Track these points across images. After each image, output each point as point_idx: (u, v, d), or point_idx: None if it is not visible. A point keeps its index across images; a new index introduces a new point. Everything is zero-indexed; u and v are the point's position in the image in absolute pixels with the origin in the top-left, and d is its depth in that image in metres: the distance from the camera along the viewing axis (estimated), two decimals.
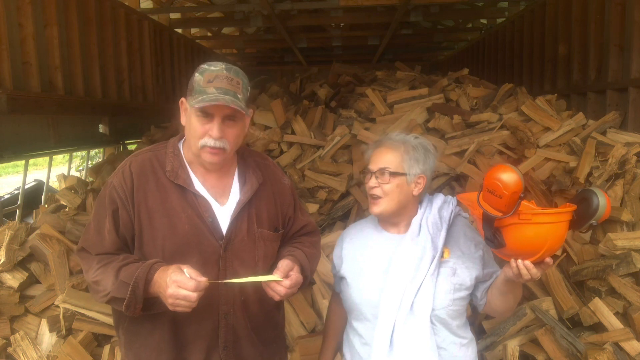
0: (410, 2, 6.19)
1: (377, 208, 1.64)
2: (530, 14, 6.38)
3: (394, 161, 1.63)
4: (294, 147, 4.34)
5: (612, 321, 2.71)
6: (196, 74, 1.49)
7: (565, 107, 4.63)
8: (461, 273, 1.61)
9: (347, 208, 3.84)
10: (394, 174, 1.62)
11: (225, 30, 10.22)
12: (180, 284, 1.31)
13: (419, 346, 1.54)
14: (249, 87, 1.54)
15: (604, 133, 3.92)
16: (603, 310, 2.72)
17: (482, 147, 3.96)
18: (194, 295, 1.32)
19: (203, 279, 1.34)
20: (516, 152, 3.93)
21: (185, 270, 1.34)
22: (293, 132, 4.46)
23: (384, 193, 1.62)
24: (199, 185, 1.56)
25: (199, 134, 1.48)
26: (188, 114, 1.53)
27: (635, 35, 4.19)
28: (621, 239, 2.94)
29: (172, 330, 1.54)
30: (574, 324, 2.82)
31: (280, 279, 1.44)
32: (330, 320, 1.93)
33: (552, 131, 3.98)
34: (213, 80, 1.45)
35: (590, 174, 3.51)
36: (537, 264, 1.37)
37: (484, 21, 8.98)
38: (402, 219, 1.68)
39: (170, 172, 1.54)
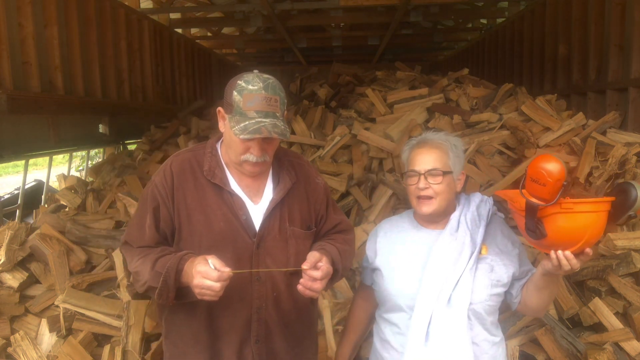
0: (410, 2, 6.19)
1: (429, 208, 1.64)
2: (530, 14, 6.38)
3: (441, 160, 1.65)
4: (294, 147, 4.34)
5: (612, 321, 2.71)
6: (234, 92, 1.51)
7: (565, 107, 4.63)
8: (499, 270, 1.63)
9: (347, 208, 3.84)
10: (446, 174, 1.63)
11: (225, 30, 10.22)
12: (204, 275, 1.38)
13: (455, 339, 1.55)
14: (285, 99, 1.58)
15: (604, 133, 3.92)
16: (603, 310, 2.72)
17: (482, 147, 3.96)
18: (217, 286, 1.38)
19: (226, 269, 1.39)
20: (516, 152, 3.93)
21: (210, 260, 1.40)
22: (293, 132, 4.46)
23: (436, 193, 1.63)
24: (234, 185, 1.62)
25: (241, 150, 1.54)
26: (227, 126, 1.55)
27: (635, 35, 4.20)
28: (621, 239, 2.94)
29: (208, 322, 1.61)
30: (574, 324, 2.82)
31: (305, 268, 1.47)
32: (354, 314, 1.93)
33: (552, 131, 3.98)
34: (253, 102, 1.48)
35: (590, 173, 3.51)
36: (576, 254, 1.39)
37: (484, 21, 8.99)
38: (444, 216, 1.69)
39: (208, 171, 1.61)
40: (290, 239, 1.64)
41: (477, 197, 1.73)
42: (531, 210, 1.37)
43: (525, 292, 1.65)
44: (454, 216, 1.68)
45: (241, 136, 1.46)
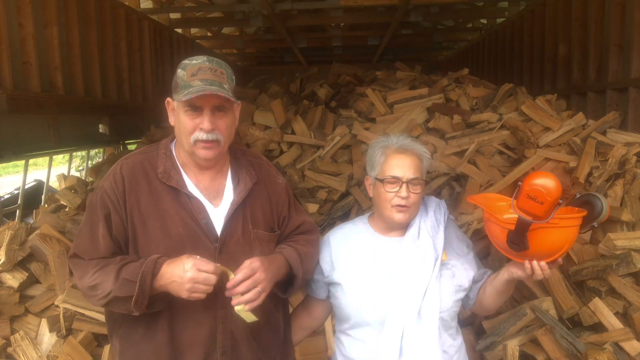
0: (410, 2, 6.19)
1: (405, 217, 1.59)
2: (530, 14, 6.38)
3: (420, 169, 1.62)
4: (294, 147, 4.34)
5: (612, 321, 2.70)
6: (178, 70, 1.47)
7: (565, 107, 4.62)
8: (460, 275, 1.61)
9: (347, 208, 3.84)
10: (423, 183, 1.61)
11: (225, 30, 10.22)
12: (200, 267, 1.33)
13: (428, 351, 1.53)
14: (233, 77, 1.52)
15: (604, 133, 3.91)
16: (603, 310, 2.72)
17: (482, 147, 3.96)
18: (214, 277, 1.34)
19: (217, 264, 1.37)
20: (516, 152, 3.93)
21: (197, 257, 1.37)
22: (293, 132, 4.46)
23: (412, 203, 1.58)
24: (192, 187, 1.54)
25: (190, 129, 1.45)
26: (176, 113, 1.49)
27: (635, 35, 4.19)
28: (621, 239, 2.93)
29: (169, 336, 1.50)
30: (574, 324, 2.82)
31: (233, 284, 1.40)
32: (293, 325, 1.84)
33: (552, 131, 3.97)
34: (196, 73, 1.43)
35: (590, 174, 3.50)
36: (549, 263, 1.43)
37: (484, 21, 8.99)
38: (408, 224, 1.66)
39: (163, 173, 1.52)
40: (255, 242, 1.56)
41: (432, 202, 1.69)
42: (523, 227, 1.36)
43: (482, 294, 1.64)
44: (414, 223, 1.62)
45: (183, 98, 1.39)
